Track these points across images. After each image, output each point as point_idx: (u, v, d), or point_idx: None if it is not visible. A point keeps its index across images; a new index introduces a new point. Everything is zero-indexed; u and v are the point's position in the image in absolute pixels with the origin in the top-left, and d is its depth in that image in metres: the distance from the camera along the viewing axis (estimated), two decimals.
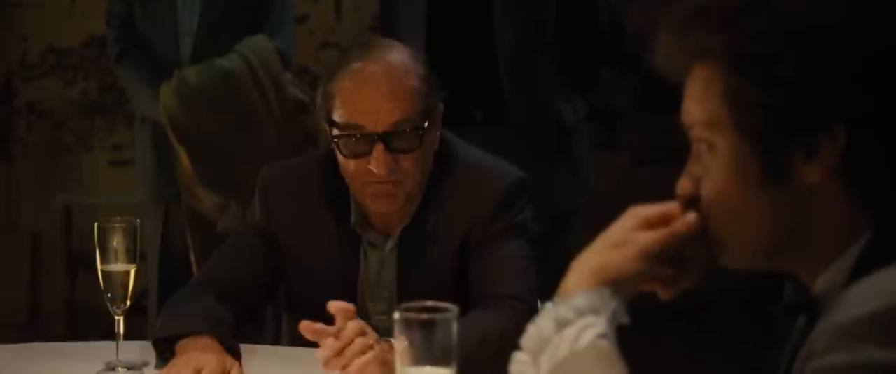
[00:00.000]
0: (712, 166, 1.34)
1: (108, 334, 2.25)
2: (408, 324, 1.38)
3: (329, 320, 2.40)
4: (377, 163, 2.21)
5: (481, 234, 2.32)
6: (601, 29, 3.63)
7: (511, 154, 2.47)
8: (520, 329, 2.22)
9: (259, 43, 3.73)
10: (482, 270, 2.30)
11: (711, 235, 1.36)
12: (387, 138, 2.22)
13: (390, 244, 2.36)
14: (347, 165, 2.27)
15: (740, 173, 1.31)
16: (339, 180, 2.33)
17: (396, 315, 1.39)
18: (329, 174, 2.36)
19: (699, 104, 1.34)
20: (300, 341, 2.45)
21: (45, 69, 5.40)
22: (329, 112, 2.27)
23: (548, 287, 2.35)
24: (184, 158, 3.67)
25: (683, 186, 1.38)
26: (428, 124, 2.26)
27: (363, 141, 2.23)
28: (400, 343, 1.40)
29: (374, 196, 2.27)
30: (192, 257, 3.71)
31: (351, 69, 2.24)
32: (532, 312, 2.29)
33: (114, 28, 3.81)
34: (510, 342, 2.19)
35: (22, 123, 5.41)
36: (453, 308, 1.40)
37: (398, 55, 2.27)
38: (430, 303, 1.40)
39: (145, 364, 2.23)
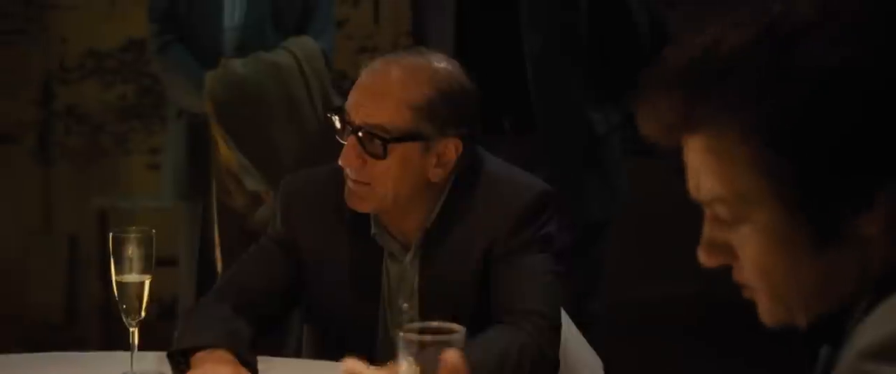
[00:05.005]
0: (750, 240, 1.18)
1: (143, 338, 2.20)
2: (409, 345, 1.33)
3: (347, 332, 2.35)
4: (343, 152, 2.22)
5: (503, 247, 2.26)
6: (639, 35, 3.56)
7: (539, 163, 2.42)
8: (541, 345, 2.19)
9: (306, 42, 3.76)
10: (504, 284, 2.24)
11: (760, 305, 1.23)
12: (358, 134, 2.20)
13: (410, 256, 2.31)
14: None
15: (788, 243, 1.16)
16: None
17: (400, 335, 1.34)
18: None
19: (719, 178, 1.19)
20: (321, 353, 2.42)
21: (84, 72, 5.40)
22: None
23: (580, 296, 2.31)
24: (222, 149, 3.66)
25: (714, 257, 1.22)
26: (403, 144, 2.19)
27: (344, 128, 2.23)
28: (407, 366, 1.34)
29: (346, 191, 2.25)
30: (218, 254, 3.68)
31: (370, 63, 2.26)
32: (555, 328, 2.24)
33: (155, 21, 3.82)
34: (530, 359, 2.16)
35: (60, 125, 5.40)
36: (460, 329, 1.34)
37: (417, 67, 2.22)
38: (435, 324, 1.34)
39: None
